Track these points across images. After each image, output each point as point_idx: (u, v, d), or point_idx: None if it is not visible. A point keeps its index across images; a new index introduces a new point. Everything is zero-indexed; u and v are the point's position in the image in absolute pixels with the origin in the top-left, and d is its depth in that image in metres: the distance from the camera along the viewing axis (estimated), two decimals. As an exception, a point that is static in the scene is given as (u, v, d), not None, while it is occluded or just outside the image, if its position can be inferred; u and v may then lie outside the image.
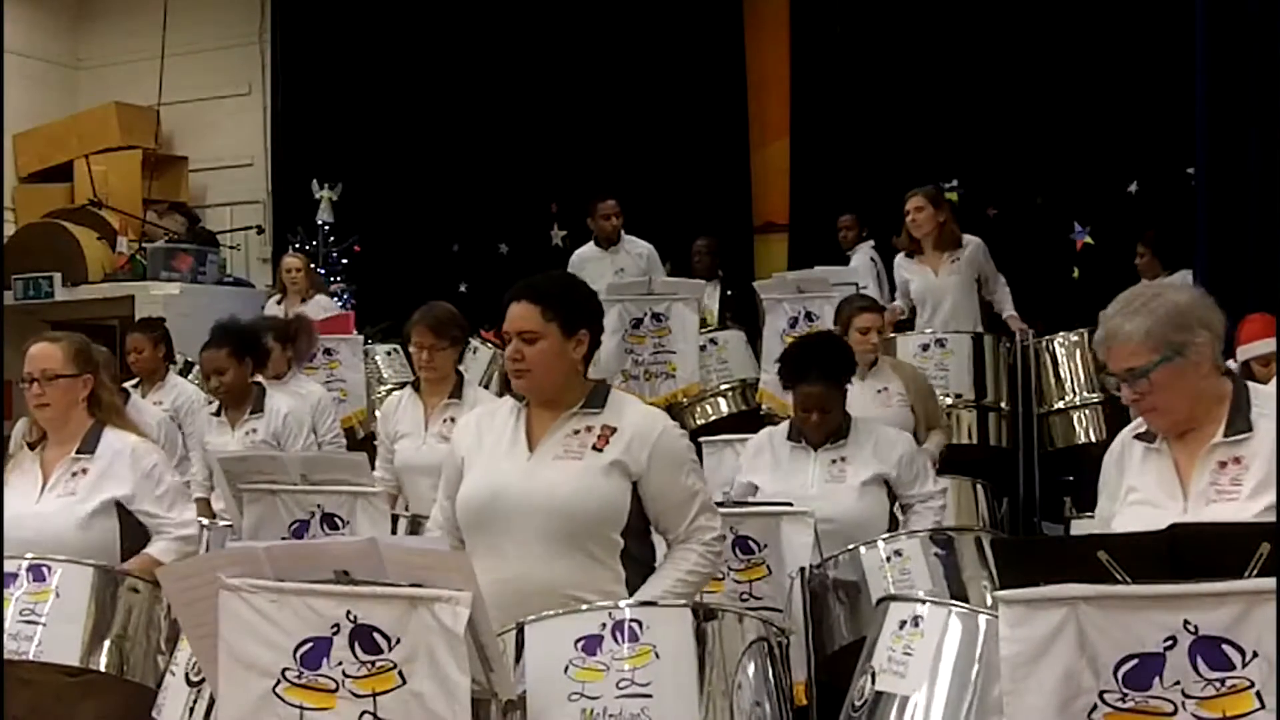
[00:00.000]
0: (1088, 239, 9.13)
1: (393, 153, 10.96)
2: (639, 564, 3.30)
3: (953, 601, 3.54)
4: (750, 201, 10.30)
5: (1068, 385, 7.11)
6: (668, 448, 3.30)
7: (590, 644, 2.88)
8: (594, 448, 3.26)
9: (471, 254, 10.86)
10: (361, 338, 8.05)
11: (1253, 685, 2.32)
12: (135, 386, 7.25)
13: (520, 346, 3.29)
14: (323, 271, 10.13)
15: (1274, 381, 5.10)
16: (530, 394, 3.38)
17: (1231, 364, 5.46)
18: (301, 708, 2.65)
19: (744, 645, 3.05)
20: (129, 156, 11.28)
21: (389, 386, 7.76)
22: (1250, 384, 3.02)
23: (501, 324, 3.37)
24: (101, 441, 4.12)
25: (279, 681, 2.66)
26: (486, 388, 7.26)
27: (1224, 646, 2.33)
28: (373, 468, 5.18)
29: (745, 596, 4.09)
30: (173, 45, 10.98)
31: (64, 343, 4.18)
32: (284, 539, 4.27)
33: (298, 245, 10.28)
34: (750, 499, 4.58)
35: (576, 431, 3.30)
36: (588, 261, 8.43)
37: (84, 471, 4.07)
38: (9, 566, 3.72)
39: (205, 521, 4.98)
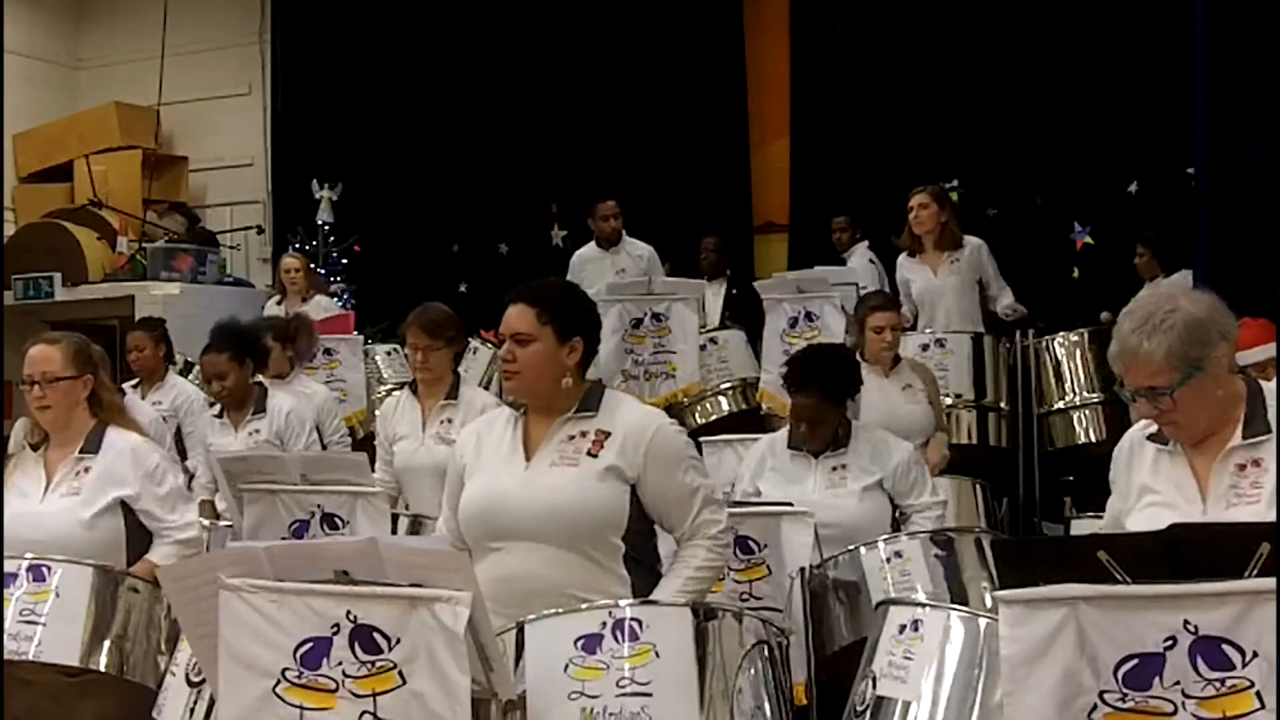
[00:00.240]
0: (1088, 239, 9.13)
1: (393, 153, 10.96)
2: (642, 566, 3.31)
3: (953, 605, 3.54)
4: (750, 201, 10.30)
5: (1068, 385, 7.11)
6: (662, 446, 3.30)
7: (590, 643, 2.88)
8: (589, 453, 3.27)
9: (471, 254, 10.86)
10: (361, 338, 8.05)
11: (1253, 685, 2.32)
12: (135, 387, 7.26)
13: (513, 348, 3.31)
14: (322, 271, 10.13)
15: (1273, 383, 5.09)
16: (520, 396, 3.39)
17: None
18: (301, 708, 2.65)
19: (744, 645, 3.05)
20: (129, 156, 11.27)
21: (389, 386, 7.76)
22: (1265, 384, 2.98)
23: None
24: (104, 441, 4.12)
25: (279, 681, 2.66)
26: (486, 388, 7.26)
27: (1224, 646, 2.33)
28: (373, 468, 5.18)
29: (745, 596, 4.09)
30: (173, 45, 10.97)
31: (63, 344, 4.17)
32: (284, 539, 4.27)
33: (298, 245, 10.27)
34: (751, 499, 4.58)
35: (571, 437, 3.31)
36: (588, 262, 8.44)
37: (87, 471, 4.08)
38: (9, 566, 3.72)
39: (206, 523, 4.98)
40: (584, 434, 3.30)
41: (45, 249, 10.49)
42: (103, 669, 3.76)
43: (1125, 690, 2.38)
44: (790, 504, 4.26)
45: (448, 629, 2.59)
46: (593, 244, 8.57)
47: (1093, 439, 6.89)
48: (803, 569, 4.02)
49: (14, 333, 8.05)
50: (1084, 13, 9.01)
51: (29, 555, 3.77)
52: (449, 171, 10.81)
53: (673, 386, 7.25)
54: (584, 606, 2.98)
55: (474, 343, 7.83)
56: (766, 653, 3.11)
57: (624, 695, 2.83)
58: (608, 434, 3.29)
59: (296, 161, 11.25)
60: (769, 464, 4.78)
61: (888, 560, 4.17)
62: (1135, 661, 2.37)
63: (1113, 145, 8.93)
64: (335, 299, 9.63)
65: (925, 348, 6.88)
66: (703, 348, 7.51)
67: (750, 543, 4.12)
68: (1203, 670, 2.34)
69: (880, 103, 9.60)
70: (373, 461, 5.27)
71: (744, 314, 8.20)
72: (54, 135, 11.58)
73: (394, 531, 4.67)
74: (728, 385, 7.66)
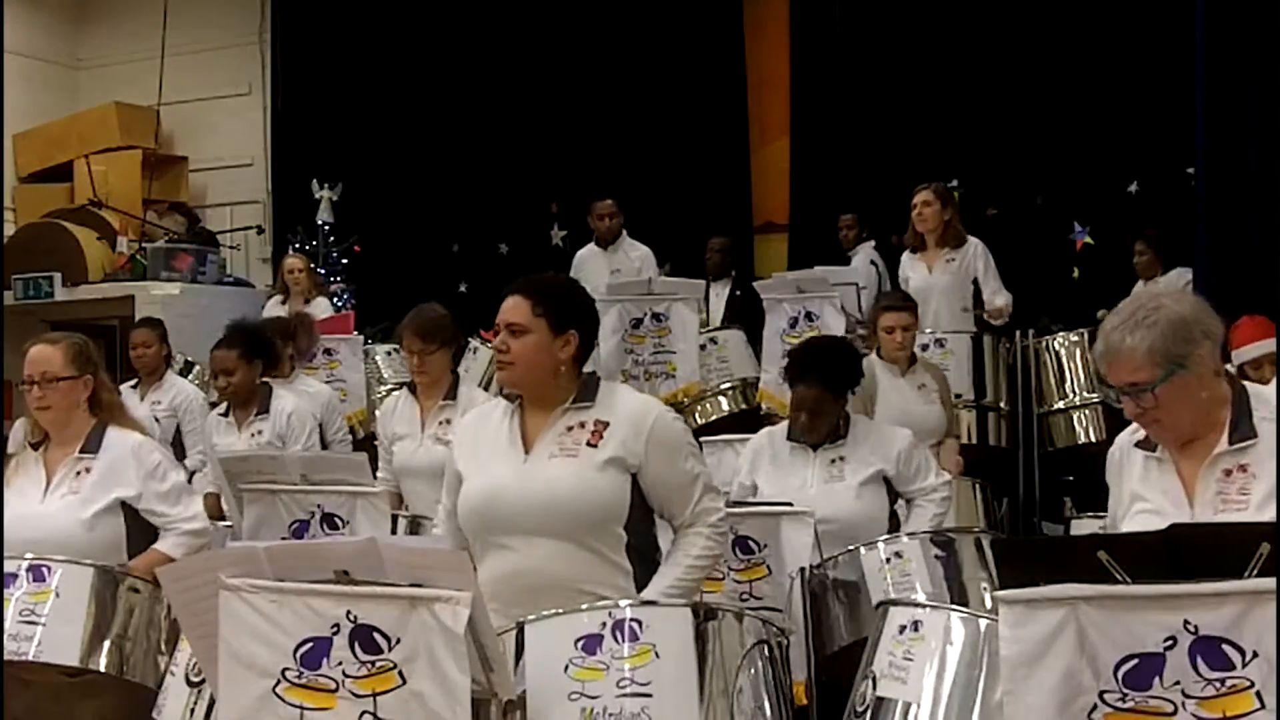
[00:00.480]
0: (1088, 239, 9.13)
1: (393, 153, 10.96)
2: (641, 555, 3.30)
3: (952, 606, 3.53)
4: (750, 201, 10.30)
5: (1068, 385, 7.11)
6: (662, 434, 3.30)
7: (590, 643, 2.88)
8: (588, 444, 3.27)
9: (471, 254, 10.86)
10: (361, 338, 8.05)
11: (1253, 685, 2.32)
12: (134, 386, 7.27)
13: (507, 338, 3.31)
14: (323, 271, 10.12)
15: (1274, 383, 5.09)
16: (513, 387, 3.39)
17: (1229, 368, 5.47)
18: (301, 708, 2.65)
19: (744, 645, 3.05)
20: (129, 156, 11.27)
21: (389, 386, 7.76)
22: (1249, 385, 2.99)
23: None
24: (104, 441, 4.12)
25: (279, 681, 2.66)
26: (487, 388, 7.26)
27: (1224, 646, 2.33)
28: (373, 467, 5.18)
29: (745, 596, 4.09)
30: (173, 45, 10.97)
31: (63, 344, 4.17)
32: (284, 539, 4.27)
33: (298, 245, 10.28)
34: (750, 499, 4.58)
35: (570, 428, 3.30)
36: (586, 262, 8.46)
37: (87, 471, 4.07)
38: (9, 566, 3.72)
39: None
40: (582, 425, 3.30)
41: (45, 249, 10.48)
42: (103, 669, 3.76)
43: (1125, 690, 2.38)
44: (790, 504, 4.26)
45: (448, 629, 2.59)
46: (593, 244, 8.58)
47: (1093, 439, 6.89)
48: (803, 569, 4.02)
49: (14, 333, 8.05)
50: (1084, 13, 9.01)
51: (29, 555, 3.77)
52: (449, 171, 10.81)
53: (673, 386, 7.25)
54: (584, 607, 2.98)
55: (474, 342, 7.83)
56: (766, 652, 3.11)
57: (624, 696, 2.83)
58: (606, 424, 3.29)
59: (296, 161, 11.25)
60: (767, 455, 4.78)
61: (887, 560, 4.17)
62: (1135, 661, 2.37)
63: (1113, 145, 8.93)
64: (335, 299, 9.62)
65: (925, 347, 6.87)
66: (702, 348, 7.52)
67: (750, 543, 4.12)
68: (1203, 670, 2.33)
69: (880, 103, 9.61)
70: (373, 461, 5.27)
71: (744, 314, 8.20)
72: (54, 135, 11.58)
73: (394, 531, 4.67)
74: (728, 385, 7.66)
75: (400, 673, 2.62)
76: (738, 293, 8.75)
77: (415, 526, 4.84)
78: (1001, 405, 7.07)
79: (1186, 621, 2.34)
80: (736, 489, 4.74)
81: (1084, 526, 5.07)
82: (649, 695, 2.83)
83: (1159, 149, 8.66)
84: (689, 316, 7.32)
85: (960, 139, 9.35)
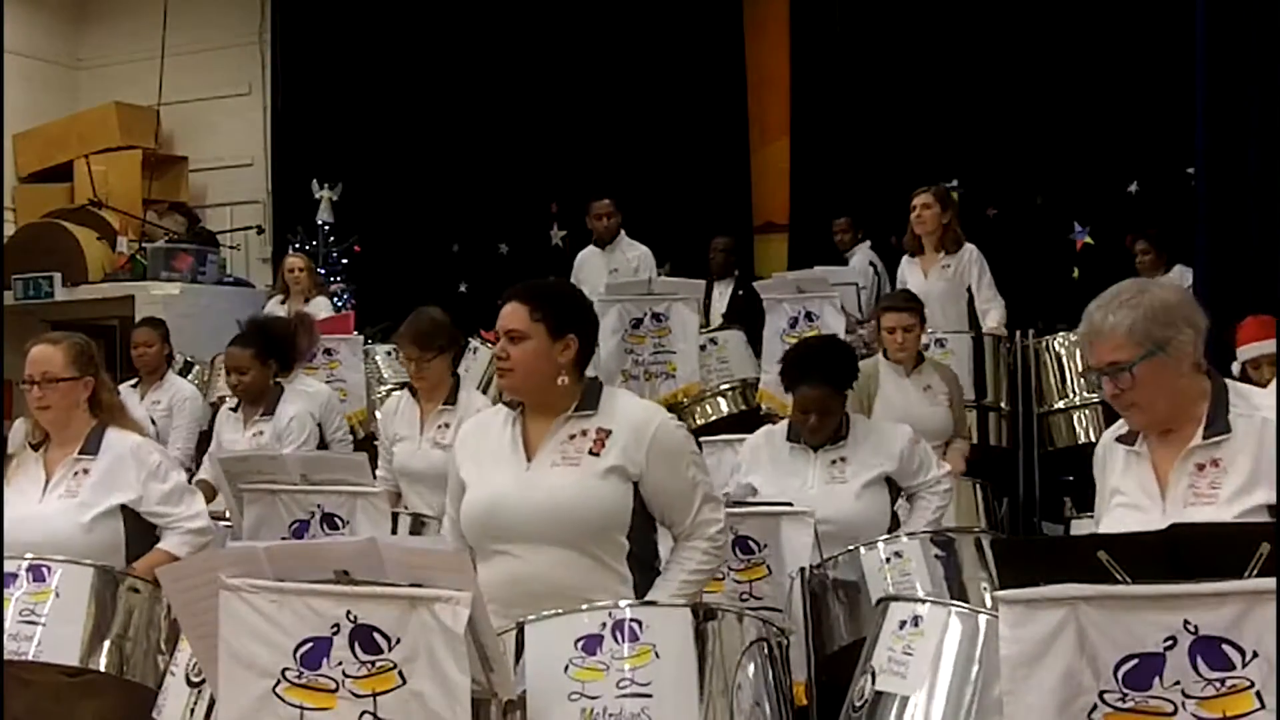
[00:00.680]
0: (1088, 239, 9.13)
1: (393, 153, 10.96)
2: (641, 563, 3.30)
3: (953, 601, 3.54)
4: (750, 201, 10.30)
5: (1068, 385, 7.10)
6: (664, 442, 3.30)
7: (590, 644, 2.88)
8: (591, 452, 3.27)
9: (471, 254, 10.86)
10: (361, 338, 8.05)
11: (1253, 685, 2.32)
12: (134, 385, 7.28)
13: (506, 345, 3.31)
14: (323, 271, 10.12)
15: (1273, 384, 5.09)
16: (514, 394, 3.39)
17: (1235, 367, 5.47)
18: (301, 708, 2.65)
19: (744, 645, 3.05)
20: (129, 156, 11.27)
21: (389, 386, 7.76)
22: (1231, 383, 3.01)
23: None
24: (104, 442, 4.12)
25: (279, 681, 2.66)
26: (487, 388, 7.26)
27: (1224, 646, 2.33)
28: (374, 467, 5.18)
29: (745, 596, 4.09)
30: (173, 45, 10.96)
31: (64, 345, 4.16)
32: (284, 539, 4.27)
33: (298, 245, 10.27)
34: (750, 499, 4.57)
35: (572, 436, 3.30)
36: (586, 262, 8.47)
37: (86, 472, 4.07)
38: (9, 567, 3.71)
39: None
40: (584, 433, 3.29)
41: (45, 249, 10.48)
42: (103, 669, 3.76)
43: (1125, 690, 2.38)
44: (790, 504, 4.26)
45: (448, 629, 2.59)
46: (591, 244, 8.58)
47: (1093, 439, 6.81)
48: (803, 569, 4.02)
49: (14, 333, 8.05)
50: (1084, 13, 9.01)
51: (29, 555, 3.77)
52: (449, 171, 10.81)
53: (673, 386, 7.25)
54: (584, 607, 2.97)
55: (474, 343, 7.83)
56: (766, 650, 3.11)
57: (624, 696, 2.83)
58: (608, 432, 3.28)
59: (296, 161, 11.25)
60: (766, 455, 4.75)
61: (887, 560, 4.17)
62: (1135, 661, 2.37)
63: (1113, 145, 8.93)
64: (335, 299, 9.62)
65: (925, 348, 6.87)
66: (703, 348, 7.51)
67: (750, 543, 4.12)
68: (1203, 670, 2.33)
69: (880, 103, 9.61)
70: (373, 461, 5.27)
71: (747, 314, 8.20)
72: (54, 135, 11.57)
73: (394, 531, 4.67)
74: (727, 386, 7.65)
75: (400, 673, 2.62)
76: (740, 293, 8.75)
77: (416, 526, 4.84)
78: (1001, 405, 7.06)
79: (1186, 621, 2.34)
80: (735, 488, 4.74)
81: (1084, 526, 5.07)
82: (649, 695, 2.83)
83: (1159, 149, 8.66)
84: (689, 316, 7.32)
85: (960, 139, 9.35)
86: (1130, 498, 2.98)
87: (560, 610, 2.97)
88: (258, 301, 9.95)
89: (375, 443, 5.85)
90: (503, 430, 3.38)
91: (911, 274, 7.34)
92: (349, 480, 4.50)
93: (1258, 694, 2.32)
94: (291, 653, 2.66)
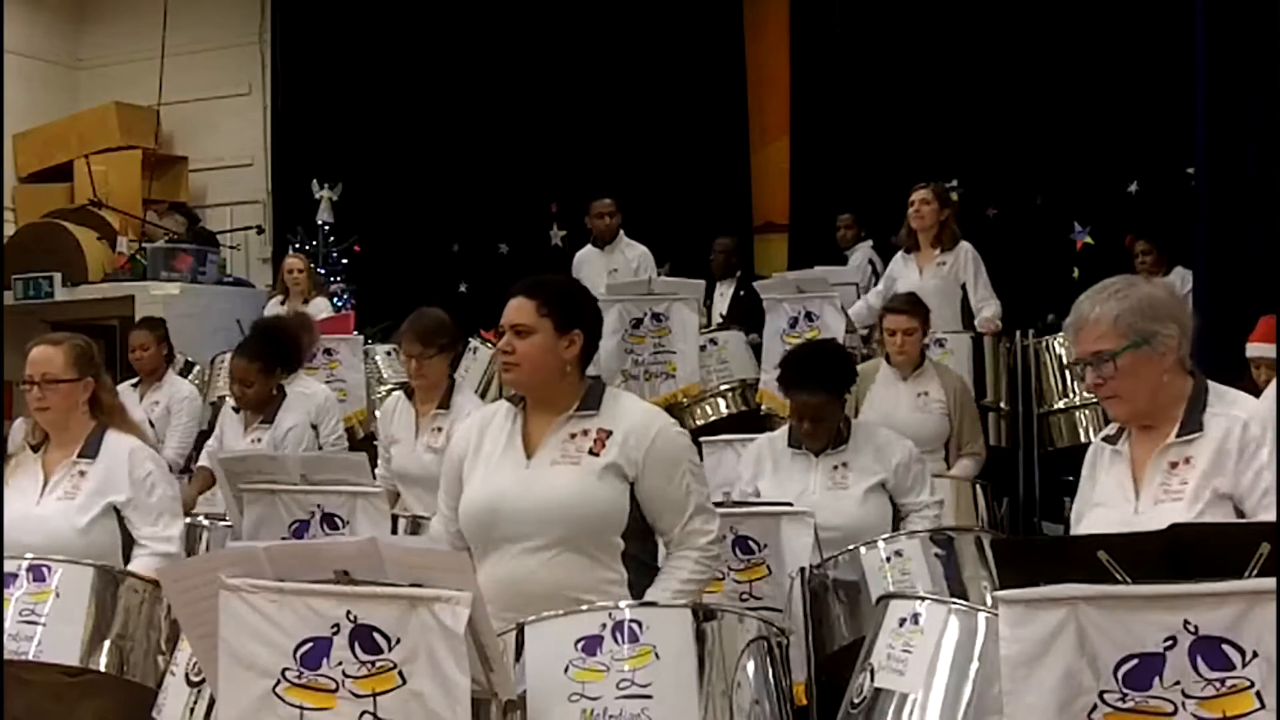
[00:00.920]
0: (1088, 239, 9.13)
1: (393, 153, 10.96)
2: (641, 565, 3.30)
3: (952, 599, 3.54)
4: (750, 201, 10.31)
5: (1068, 385, 7.09)
6: (663, 448, 3.30)
7: (590, 644, 2.88)
8: (591, 452, 3.27)
9: (471, 254, 10.86)
10: (361, 338, 8.05)
11: (1253, 685, 2.32)
12: (135, 386, 7.28)
13: (512, 339, 3.31)
14: (323, 271, 10.12)
15: (1272, 385, 5.08)
16: (518, 389, 3.38)
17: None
18: (301, 708, 2.65)
19: (744, 645, 3.05)
20: (129, 156, 11.27)
21: (389, 386, 7.75)
22: (1214, 386, 3.03)
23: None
24: (103, 444, 4.11)
25: (279, 681, 2.66)
26: (487, 388, 7.27)
27: (1224, 646, 2.33)
28: (373, 467, 5.18)
29: (745, 596, 4.09)
30: (173, 45, 10.97)
31: (64, 346, 4.15)
32: (284, 539, 4.26)
33: (298, 245, 10.28)
34: (751, 499, 4.57)
35: (573, 435, 3.30)
36: (585, 262, 8.47)
37: (83, 475, 4.06)
38: (9, 567, 3.71)
39: (206, 521, 4.98)
40: (585, 432, 3.29)
41: (45, 249, 10.48)
42: (103, 669, 3.75)
43: (1125, 690, 2.38)
44: (790, 504, 4.26)
45: (448, 629, 2.59)
46: (590, 244, 8.58)
47: (1093, 439, 6.86)
48: (803, 569, 4.01)
49: (14, 333, 8.05)
50: (1084, 13, 9.01)
51: (29, 555, 3.77)
52: (449, 171, 10.81)
53: (672, 387, 7.25)
54: (584, 608, 2.98)
55: (474, 342, 7.83)
56: (766, 649, 3.11)
57: (624, 697, 2.83)
58: (609, 433, 3.28)
59: (296, 161, 11.25)
60: (768, 462, 4.75)
61: (888, 560, 4.17)
62: (1135, 661, 2.37)
63: (1113, 145, 8.93)
64: (335, 299, 9.62)
65: (925, 348, 6.87)
66: (703, 348, 7.50)
67: (750, 543, 4.12)
68: (1203, 670, 2.34)
69: (880, 103, 9.61)
70: (373, 461, 5.27)
71: (748, 314, 8.20)
72: (54, 135, 11.57)
73: (394, 532, 4.67)
74: (727, 386, 7.64)
75: (400, 673, 2.62)
76: (742, 293, 8.75)
77: (415, 527, 4.84)
78: (1002, 405, 7.05)
79: (1186, 621, 2.34)
80: (738, 494, 4.73)
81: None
82: (649, 696, 2.83)
83: (1159, 149, 8.66)
84: (689, 316, 7.31)
85: (960, 139, 9.35)
86: (1108, 496, 3.03)
87: (560, 611, 2.97)
88: (258, 301, 9.96)
89: (375, 443, 5.84)
90: (503, 426, 3.38)
91: (906, 270, 7.32)
92: (349, 480, 4.50)
93: (1258, 694, 2.32)
94: (291, 653, 2.66)
